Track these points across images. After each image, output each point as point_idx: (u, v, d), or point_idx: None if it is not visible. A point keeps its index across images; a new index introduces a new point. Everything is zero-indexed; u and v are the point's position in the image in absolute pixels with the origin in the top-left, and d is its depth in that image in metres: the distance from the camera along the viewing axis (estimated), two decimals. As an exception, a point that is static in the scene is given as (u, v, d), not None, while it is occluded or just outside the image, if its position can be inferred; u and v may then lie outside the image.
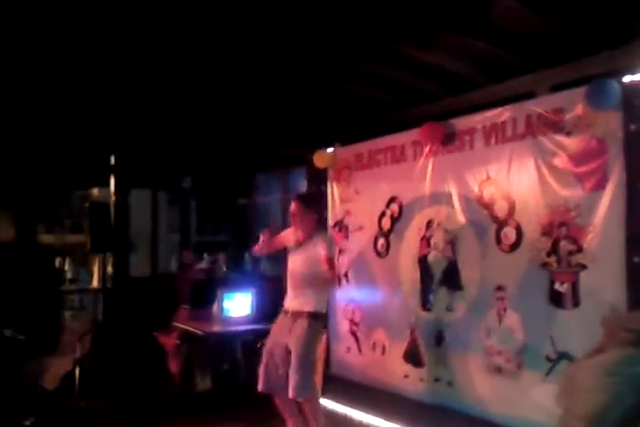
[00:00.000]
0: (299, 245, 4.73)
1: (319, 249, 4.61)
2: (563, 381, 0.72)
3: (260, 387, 4.63)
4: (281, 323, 4.69)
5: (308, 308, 4.60)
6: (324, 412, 4.78)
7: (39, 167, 7.91)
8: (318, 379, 4.82)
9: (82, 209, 9.30)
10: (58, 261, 8.98)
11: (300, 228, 4.72)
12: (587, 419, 0.70)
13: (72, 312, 8.26)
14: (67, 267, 9.27)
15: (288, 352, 4.56)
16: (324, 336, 4.99)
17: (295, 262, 4.72)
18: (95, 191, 9.31)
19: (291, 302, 4.69)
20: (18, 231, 8.73)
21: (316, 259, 4.61)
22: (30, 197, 8.58)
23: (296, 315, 4.60)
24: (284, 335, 4.60)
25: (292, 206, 4.73)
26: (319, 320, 4.66)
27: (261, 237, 4.71)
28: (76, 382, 6.46)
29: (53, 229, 9.73)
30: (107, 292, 8.38)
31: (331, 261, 4.59)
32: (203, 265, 8.13)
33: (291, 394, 4.44)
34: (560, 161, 3.93)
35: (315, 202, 5.05)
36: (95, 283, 8.71)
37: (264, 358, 4.66)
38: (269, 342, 4.69)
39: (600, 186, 3.70)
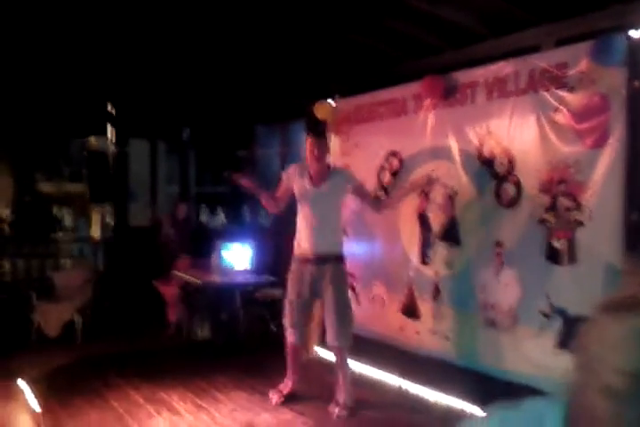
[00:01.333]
0: (316, 184, 4.58)
1: (343, 184, 4.60)
2: (591, 329, 0.70)
3: (290, 340, 4.61)
4: (302, 271, 4.56)
5: (336, 251, 4.55)
6: (321, 363, 4.86)
7: (37, 115, 7.85)
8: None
9: (80, 158, 9.27)
10: (57, 210, 9.02)
11: (317, 166, 4.55)
12: (628, 374, 0.69)
13: (72, 261, 8.33)
14: (66, 216, 9.31)
15: (314, 301, 4.54)
16: None
17: (316, 204, 4.54)
18: (93, 140, 9.25)
19: (312, 246, 4.51)
20: (16, 180, 8.74)
21: (341, 195, 4.61)
22: (28, 145, 8.54)
23: (322, 260, 4.48)
24: (312, 284, 4.52)
25: (311, 143, 4.57)
26: (344, 263, 4.63)
27: (263, 201, 4.71)
28: (78, 330, 6.59)
29: (52, 177, 9.71)
30: (106, 241, 8.45)
31: (363, 188, 4.72)
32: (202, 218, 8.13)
33: (334, 342, 4.47)
34: (562, 117, 3.90)
35: (327, 137, 5.02)
36: (95, 232, 8.76)
37: (292, 311, 4.58)
38: (293, 294, 4.58)
39: (601, 143, 3.68)
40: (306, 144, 4.65)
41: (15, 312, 6.72)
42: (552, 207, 3.94)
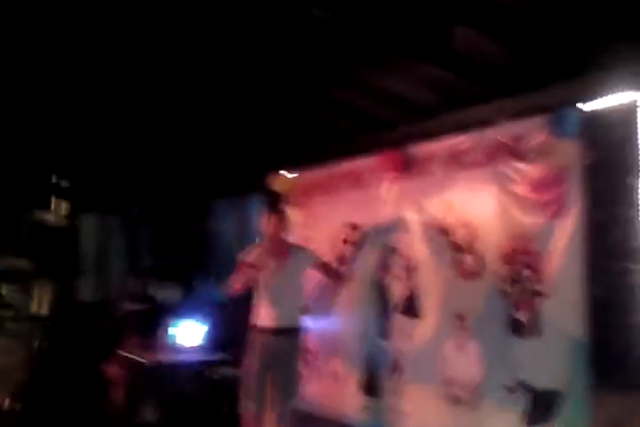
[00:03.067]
0: (277, 260, 4.61)
1: (304, 262, 4.69)
2: None
3: (249, 410, 4.52)
4: (261, 342, 4.58)
5: (293, 323, 4.63)
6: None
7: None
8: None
9: (26, 232, 9.00)
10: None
11: (277, 241, 4.64)
12: None
13: (7, 341, 7.87)
14: (6, 292, 8.91)
15: (269, 372, 4.55)
16: None
17: (276, 279, 4.58)
18: (41, 214, 9.02)
19: (272, 319, 4.56)
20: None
21: (299, 273, 4.67)
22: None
23: (281, 332, 4.54)
24: (269, 354, 4.53)
25: (270, 219, 4.66)
26: (301, 335, 4.74)
27: (238, 275, 4.58)
28: (13, 416, 6.16)
29: (-4, 252, 9.37)
30: (50, 319, 8.08)
31: (324, 265, 4.88)
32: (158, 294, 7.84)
33: (281, 409, 4.49)
34: (521, 189, 3.92)
35: (285, 213, 5.05)
36: (38, 309, 8.38)
37: (254, 381, 4.54)
38: (255, 366, 4.55)
39: (560, 214, 3.69)
40: (265, 220, 4.71)
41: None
42: (514, 279, 3.90)
